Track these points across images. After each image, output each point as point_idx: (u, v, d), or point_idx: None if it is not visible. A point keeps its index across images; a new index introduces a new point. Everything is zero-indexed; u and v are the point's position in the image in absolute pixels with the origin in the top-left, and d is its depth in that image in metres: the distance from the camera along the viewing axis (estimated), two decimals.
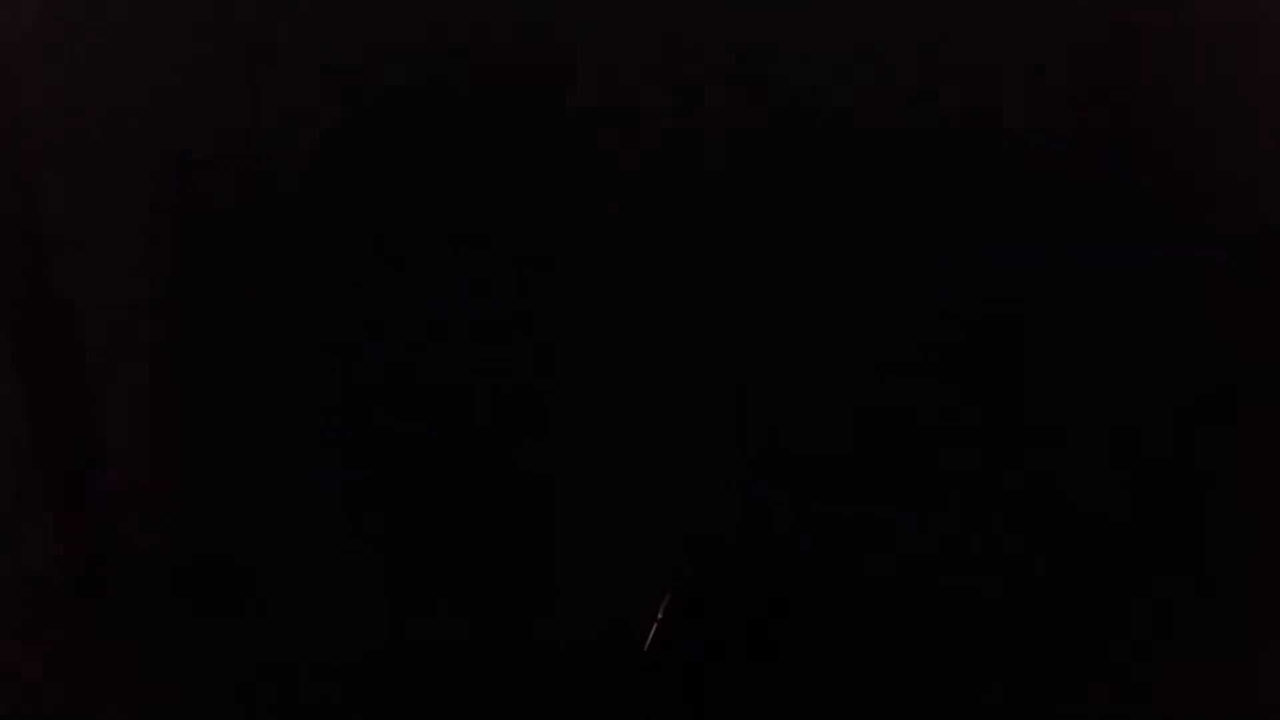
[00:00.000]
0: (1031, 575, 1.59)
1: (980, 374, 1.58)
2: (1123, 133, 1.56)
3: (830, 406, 1.58)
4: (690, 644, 1.58)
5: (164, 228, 1.57)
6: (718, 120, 1.55)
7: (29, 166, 1.54)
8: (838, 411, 1.58)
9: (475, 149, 1.55)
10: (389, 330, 1.57)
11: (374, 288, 1.57)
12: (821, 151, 1.55)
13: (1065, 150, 1.57)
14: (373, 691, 1.57)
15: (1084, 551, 1.57)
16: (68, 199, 1.56)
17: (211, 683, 1.58)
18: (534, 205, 1.57)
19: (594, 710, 1.57)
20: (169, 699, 1.59)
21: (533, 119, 1.55)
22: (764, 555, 1.60)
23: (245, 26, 1.54)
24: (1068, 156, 1.57)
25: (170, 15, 1.55)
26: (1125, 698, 1.59)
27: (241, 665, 1.58)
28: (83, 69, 1.55)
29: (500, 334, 1.58)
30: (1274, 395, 1.59)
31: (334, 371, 1.57)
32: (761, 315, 1.58)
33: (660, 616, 1.53)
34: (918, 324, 1.58)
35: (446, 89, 1.54)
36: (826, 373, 1.58)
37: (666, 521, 1.58)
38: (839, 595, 1.58)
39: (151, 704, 1.58)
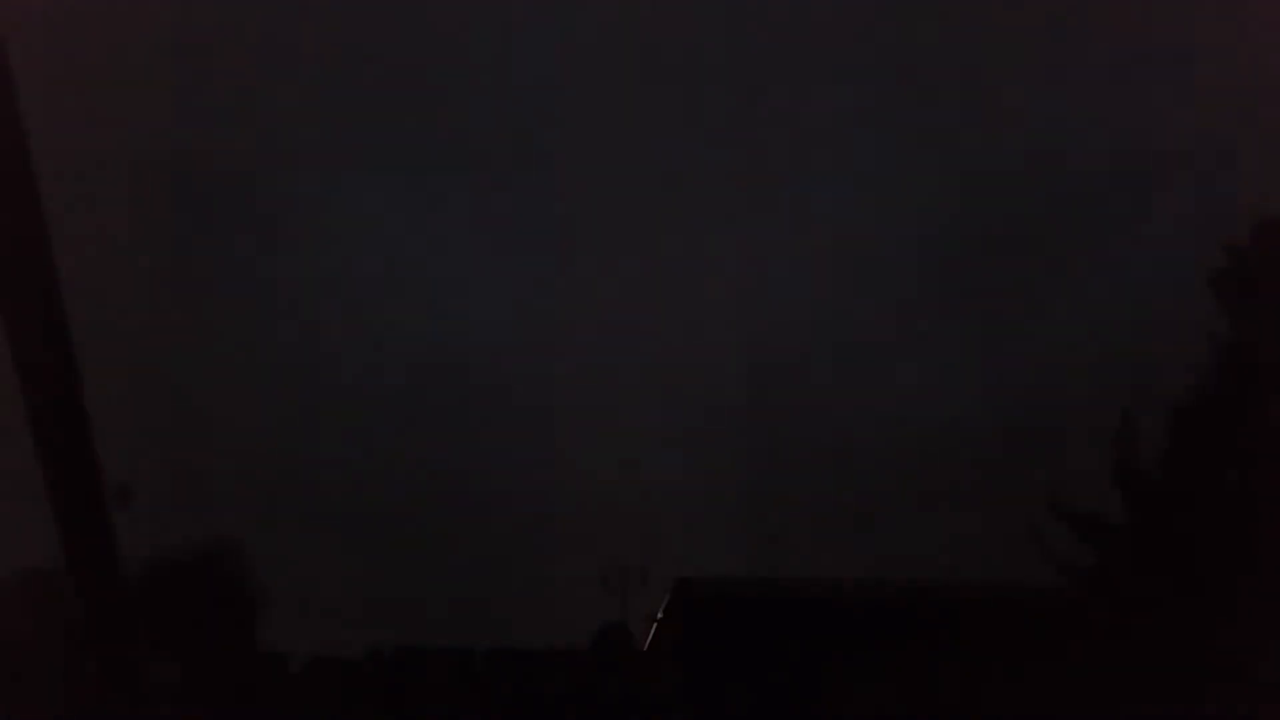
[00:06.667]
0: (1031, 575, 1.60)
1: (980, 375, 1.58)
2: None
3: (831, 412, 1.59)
4: (690, 644, 1.59)
5: (166, 228, 1.57)
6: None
7: (29, 166, 1.54)
8: (838, 416, 1.59)
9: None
10: (389, 336, 1.57)
11: (372, 292, 1.57)
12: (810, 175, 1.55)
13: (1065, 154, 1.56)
14: (373, 691, 1.58)
15: (1084, 551, 1.58)
16: (67, 200, 1.56)
17: (211, 682, 1.59)
18: (535, 206, 1.57)
19: (594, 710, 1.58)
20: (170, 698, 1.59)
21: None
22: (764, 556, 1.60)
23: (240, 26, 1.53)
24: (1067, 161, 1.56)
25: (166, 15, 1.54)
26: (1126, 697, 1.60)
27: (241, 665, 1.59)
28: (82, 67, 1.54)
29: (499, 339, 1.58)
30: (1273, 395, 1.59)
31: (333, 378, 1.58)
32: (762, 318, 1.58)
33: (660, 616, 1.54)
34: (917, 325, 1.58)
35: None
36: (827, 378, 1.58)
37: (666, 522, 1.59)
38: (838, 597, 1.59)
39: (152, 703, 1.59)
